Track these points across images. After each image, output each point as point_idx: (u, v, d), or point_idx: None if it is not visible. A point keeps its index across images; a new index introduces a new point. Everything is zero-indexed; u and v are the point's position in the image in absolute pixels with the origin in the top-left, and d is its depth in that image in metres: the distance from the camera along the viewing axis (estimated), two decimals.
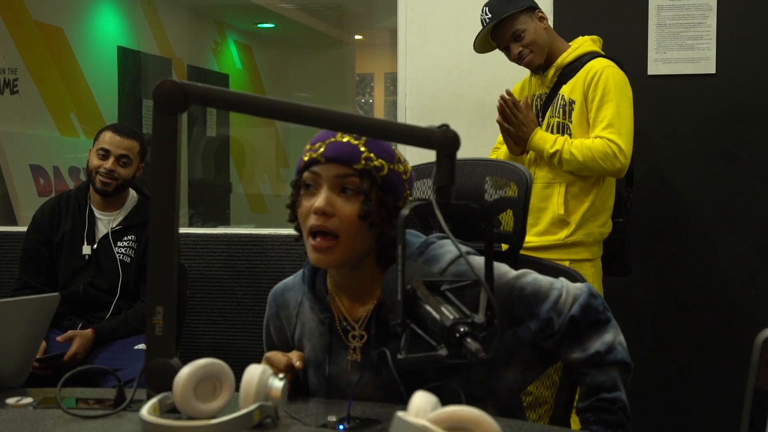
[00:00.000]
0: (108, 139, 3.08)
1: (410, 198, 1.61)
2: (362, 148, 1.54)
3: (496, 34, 2.95)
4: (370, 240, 1.56)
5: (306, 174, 1.56)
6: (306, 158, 1.57)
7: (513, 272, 1.59)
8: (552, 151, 2.81)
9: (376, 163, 1.54)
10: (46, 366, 2.84)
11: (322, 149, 1.55)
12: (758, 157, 3.36)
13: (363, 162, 1.53)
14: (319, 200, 1.52)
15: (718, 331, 3.39)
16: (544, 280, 1.59)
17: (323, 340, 1.65)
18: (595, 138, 2.80)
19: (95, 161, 3.08)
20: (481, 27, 2.96)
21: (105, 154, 3.06)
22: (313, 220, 1.53)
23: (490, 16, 2.92)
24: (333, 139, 1.55)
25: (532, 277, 1.59)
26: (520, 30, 2.90)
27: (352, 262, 1.57)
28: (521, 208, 1.84)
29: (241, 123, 7.29)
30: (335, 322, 1.63)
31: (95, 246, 3.09)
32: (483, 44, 3.01)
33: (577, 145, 2.80)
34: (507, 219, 1.88)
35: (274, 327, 1.74)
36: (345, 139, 1.55)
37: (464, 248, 1.60)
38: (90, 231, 3.11)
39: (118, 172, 3.06)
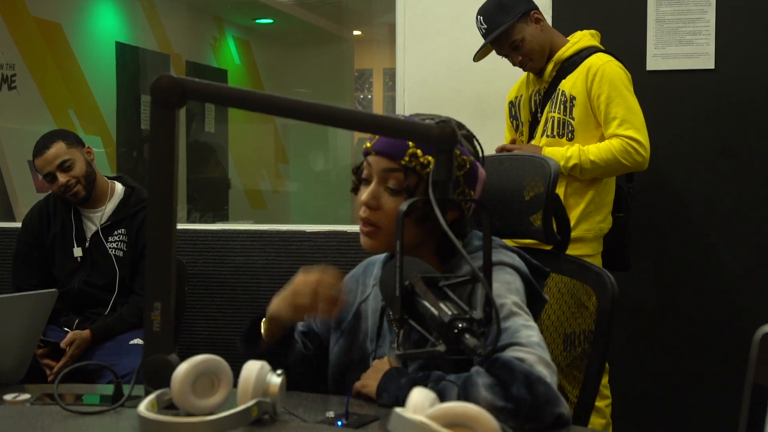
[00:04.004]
0: (39, 164, 3.04)
1: (469, 191, 1.57)
2: (410, 143, 1.54)
3: (494, 45, 2.95)
4: (420, 233, 1.56)
5: (364, 163, 1.61)
6: (364, 146, 1.61)
7: (509, 303, 1.47)
8: (570, 165, 2.80)
9: (422, 159, 1.54)
10: (49, 352, 2.84)
11: (375, 140, 1.58)
12: (757, 152, 3.36)
13: (408, 158, 1.53)
14: (366, 194, 1.57)
15: (717, 325, 3.39)
16: (522, 329, 1.43)
17: (376, 322, 1.67)
18: (612, 137, 2.80)
19: (51, 187, 3.07)
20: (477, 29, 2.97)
21: (51, 177, 3.03)
22: (360, 212, 1.58)
23: (486, 26, 2.92)
24: None
25: (517, 323, 1.43)
26: (517, 40, 2.91)
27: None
28: (542, 204, 1.79)
29: (240, 119, 7.28)
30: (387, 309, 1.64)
31: (87, 245, 3.08)
32: (483, 53, 3.03)
33: (594, 152, 2.79)
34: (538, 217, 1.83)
35: (345, 287, 1.71)
36: None
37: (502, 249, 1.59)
38: (78, 232, 3.09)
39: (73, 177, 3.03)
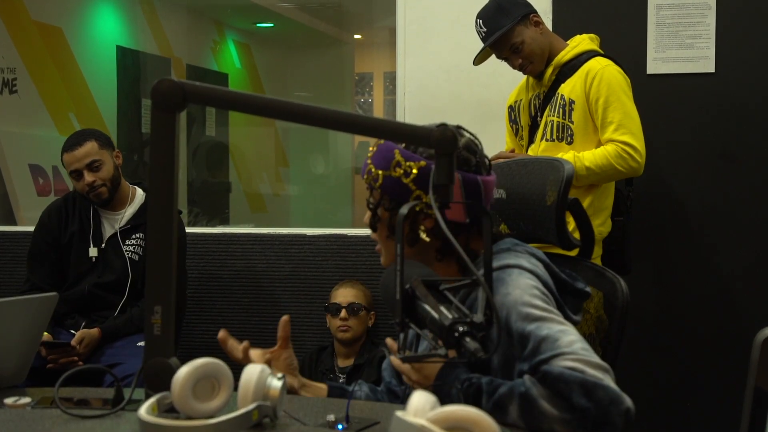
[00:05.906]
0: (68, 160, 3.05)
1: (423, 196, 1.53)
2: (369, 161, 1.58)
3: (494, 48, 2.95)
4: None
5: None
6: None
7: (536, 310, 1.43)
8: None
9: (373, 174, 1.57)
10: (60, 353, 2.83)
11: (373, 153, 1.62)
12: (757, 156, 3.36)
13: (366, 175, 1.58)
14: (366, 216, 1.64)
15: (717, 329, 3.39)
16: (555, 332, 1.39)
17: None
18: (607, 143, 2.79)
19: (76, 184, 3.08)
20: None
21: (77, 174, 3.05)
22: None
23: (485, 30, 2.92)
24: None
25: (553, 330, 1.40)
26: (517, 43, 2.91)
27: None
28: (554, 209, 1.75)
29: (241, 122, 7.28)
30: None
31: (103, 246, 3.09)
32: (482, 57, 3.02)
33: (589, 157, 2.78)
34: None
35: None
36: (369, 153, 1.60)
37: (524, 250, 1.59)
38: (96, 233, 3.10)
39: (99, 178, 3.04)
